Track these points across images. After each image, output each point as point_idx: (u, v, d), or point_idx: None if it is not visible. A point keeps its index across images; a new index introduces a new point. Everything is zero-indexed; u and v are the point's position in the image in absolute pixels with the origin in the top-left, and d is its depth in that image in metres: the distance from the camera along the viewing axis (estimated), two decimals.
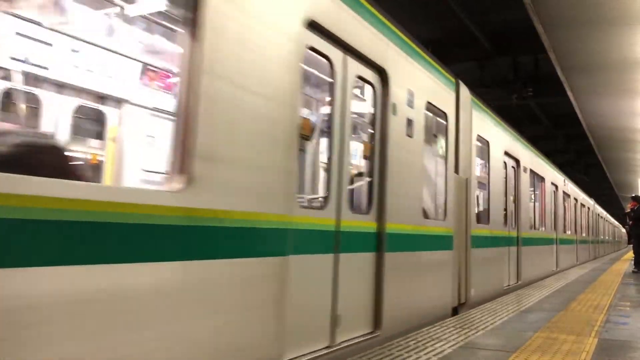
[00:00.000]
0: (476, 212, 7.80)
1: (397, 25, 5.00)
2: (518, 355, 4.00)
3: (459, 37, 12.67)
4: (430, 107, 5.75)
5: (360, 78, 4.42)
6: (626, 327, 5.40)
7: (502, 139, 9.08)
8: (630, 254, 20.16)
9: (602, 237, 29.29)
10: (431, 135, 6.22)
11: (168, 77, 4.28)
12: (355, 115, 4.67)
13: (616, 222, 42.84)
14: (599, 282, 10.69)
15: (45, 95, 4.18)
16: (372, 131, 4.67)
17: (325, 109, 4.49)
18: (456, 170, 6.68)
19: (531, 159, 11.38)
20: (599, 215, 27.15)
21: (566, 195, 16.26)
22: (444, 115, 6.30)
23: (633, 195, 15.64)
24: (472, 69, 14.27)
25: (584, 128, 15.21)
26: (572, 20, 7.97)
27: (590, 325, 5.38)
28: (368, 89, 4.73)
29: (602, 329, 5.22)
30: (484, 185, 8.52)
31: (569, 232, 16.61)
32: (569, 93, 11.76)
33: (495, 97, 14.01)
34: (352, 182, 4.66)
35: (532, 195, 12.13)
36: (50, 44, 4.05)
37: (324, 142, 4.59)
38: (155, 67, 4.47)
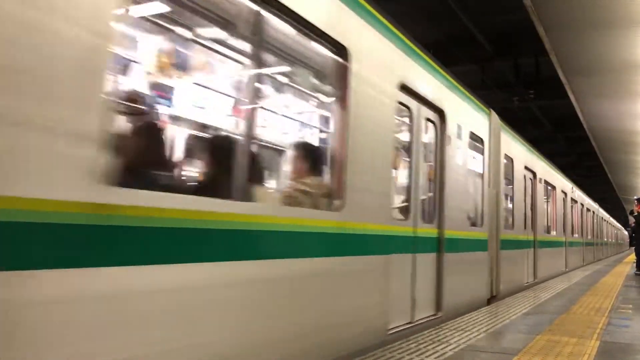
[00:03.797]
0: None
1: (453, 76, 6.46)
2: (520, 358, 3.99)
3: (460, 39, 12.65)
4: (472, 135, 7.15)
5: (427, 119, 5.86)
6: (628, 329, 5.39)
7: (523, 155, 10.56)
8: (632, 257, 20.11)
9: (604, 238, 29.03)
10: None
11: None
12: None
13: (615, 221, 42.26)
14: (600, 284, 10.67)
15: None
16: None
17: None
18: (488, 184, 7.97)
19: (544, 169, 13.08)
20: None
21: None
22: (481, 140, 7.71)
23: (637, 197, 15.56)
24: (473, 71, 14.22)
25: (585, 130, 15.18)
26: (573, 22, 7.96)
27: (592, 328, 5.36)
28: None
29: (603, 331, 5.21)
30: (509, 195, 9.83)
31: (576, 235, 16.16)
32: (571, 95, 11.73)
33: (496, 100, 13.98)
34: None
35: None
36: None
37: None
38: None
